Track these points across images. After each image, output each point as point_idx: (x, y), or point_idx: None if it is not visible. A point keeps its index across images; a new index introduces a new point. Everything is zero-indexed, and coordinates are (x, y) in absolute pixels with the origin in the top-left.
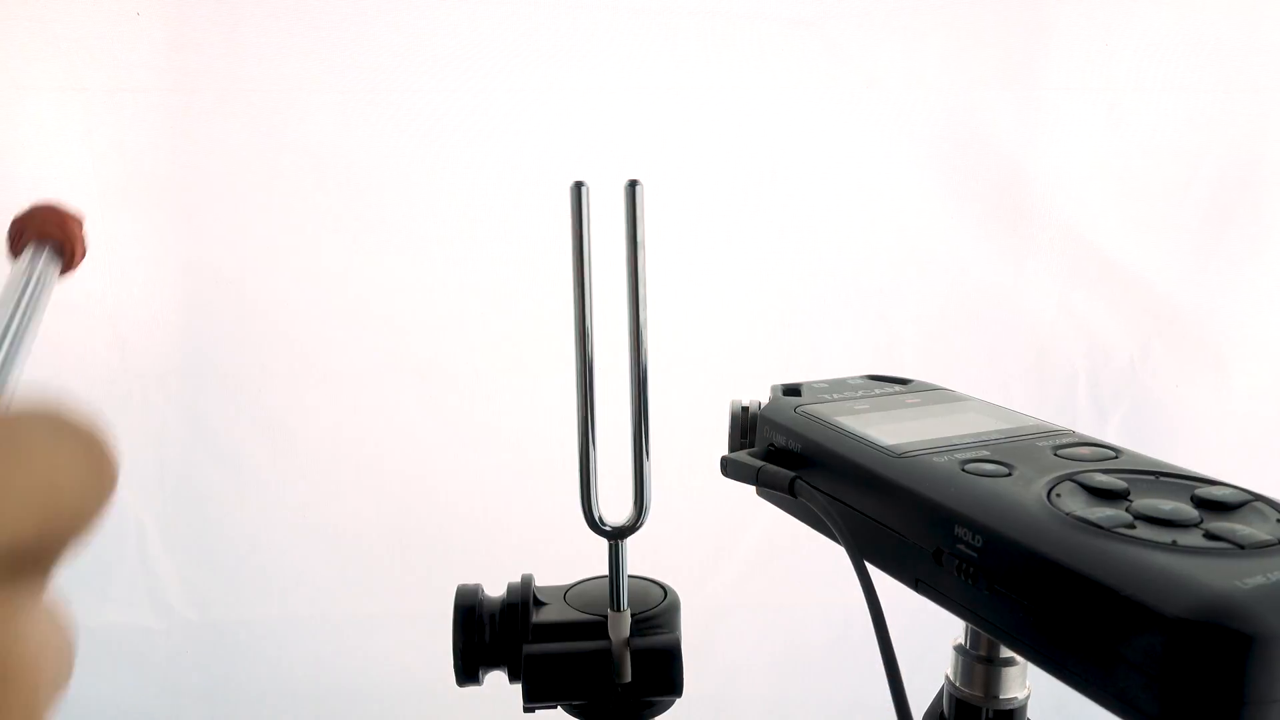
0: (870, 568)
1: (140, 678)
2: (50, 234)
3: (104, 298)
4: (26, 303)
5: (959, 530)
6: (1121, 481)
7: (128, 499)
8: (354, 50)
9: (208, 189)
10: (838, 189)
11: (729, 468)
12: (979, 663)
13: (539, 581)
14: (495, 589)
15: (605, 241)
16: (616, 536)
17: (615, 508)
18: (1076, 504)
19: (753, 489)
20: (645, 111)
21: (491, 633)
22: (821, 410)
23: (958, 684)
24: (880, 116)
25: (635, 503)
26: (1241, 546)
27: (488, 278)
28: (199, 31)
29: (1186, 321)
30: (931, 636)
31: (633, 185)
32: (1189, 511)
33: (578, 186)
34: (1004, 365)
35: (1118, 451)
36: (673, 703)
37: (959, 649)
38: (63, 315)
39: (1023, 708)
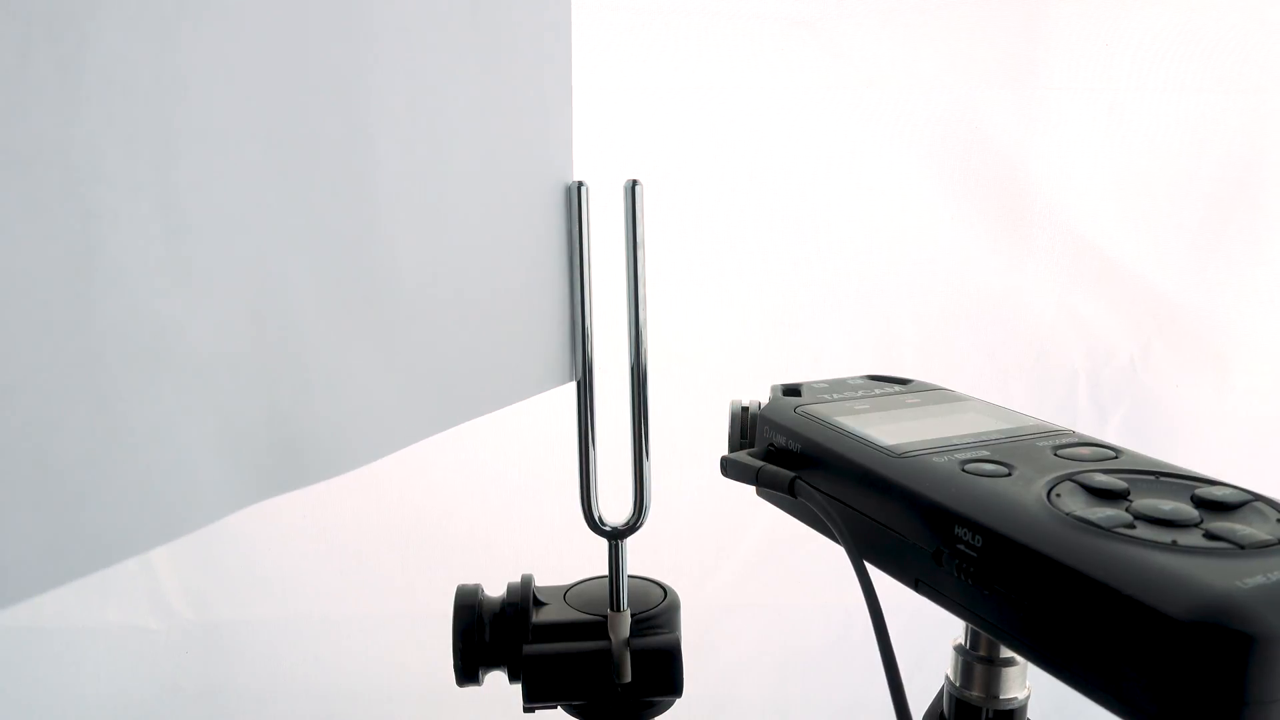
0: (870, 568)
1: (140, 678)
2: None
3: None
4: None
5: (959, 530)
6: (1121, 481)
7: None
8: None
9: None
10: (838, 189)
11: (729, 468)
12: (979, 663)
13: (539, 581)
14: (495, 589)
15: (605, 241)
16: (616, 536)
17: (615, 508)
18: (1076, 504)
19: (753, 489)
20: (645, 111)
21: (491, 633)
22: (821, 410)
23: (958, 684)
24: (880, 116)
25: (635, 503)
26: (1241, 546)
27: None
28: None
29: (1186, 321)
30: (931, 636)
31: (633, 185)
32: (1189, 511)
33: (577, 186)
34: (1004, 365)
35: (1118, 451)
36: (673, 703)
37: (959, 649)
38: None
39: (1023, 708)
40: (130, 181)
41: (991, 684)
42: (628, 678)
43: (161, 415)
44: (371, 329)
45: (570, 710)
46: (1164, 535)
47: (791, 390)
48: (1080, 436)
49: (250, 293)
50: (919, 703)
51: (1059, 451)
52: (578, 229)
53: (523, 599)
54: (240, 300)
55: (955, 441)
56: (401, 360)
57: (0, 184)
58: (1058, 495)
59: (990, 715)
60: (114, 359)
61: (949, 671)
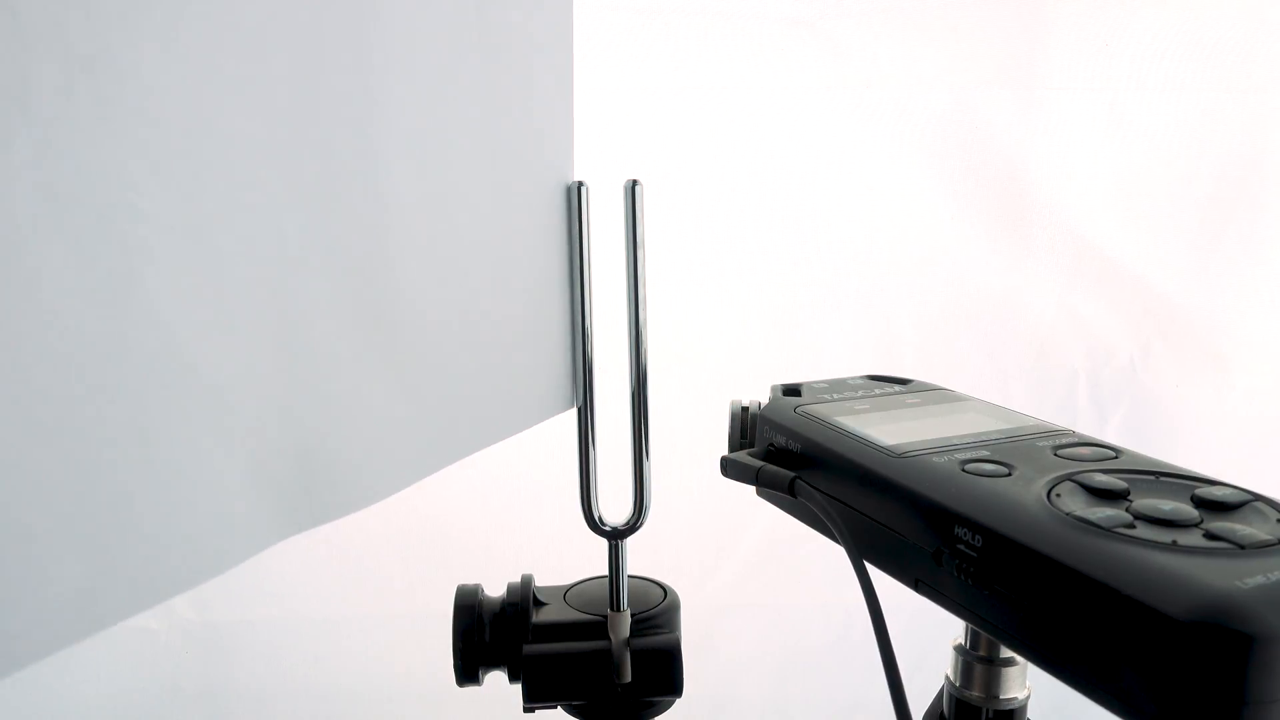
0: (870, 568)
1: (140, 678)
2: None
3: None
4: None
5: (959, 530)
6: (1121, 481)
7: None
8: None
9: None
10: (838, 189)
11: (729, 468)
12: (979, 663)
13: (539, 581)
14: (495, 589)
15: (605, 241)
16: (616, 536)
17: (615, 508)
18: (1076, 504)
19: (753, 489)
20: (645, 111)
21: (491, 633)
22: (821, 410)
23: (958, 684)
24: (880, 116)
25: (635, 503)
26: (1241, 546)
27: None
28: None
29: (1186, 321)
30: (931, 636)
31: (633, 185)
32: (1189, 511)
33: (577, 186)
34: (1004, 365)
35: (1118, 451)
36: (673, 703)
37: (959, 649)
38: None
39: (1023, 708)
40: (165, 217)
41: (991, 684)
42: (628, 678)
43: (194, 454)
44: (384, 355)
45: (570, 710)
46: (1164, 535)
47: (791, 390)
48: (1080, 436)
49: (275, 325)
50: (919, 703)
51: (1059, 451)
52: (578, 229)
53: (523, 599)
54: (267, 333)
55: (955, 441)
56: (412, 391)
57: (39, 220)
58: (1058, 495)
59: (990, 715)
60: (148, 396)
61: (949, 671)
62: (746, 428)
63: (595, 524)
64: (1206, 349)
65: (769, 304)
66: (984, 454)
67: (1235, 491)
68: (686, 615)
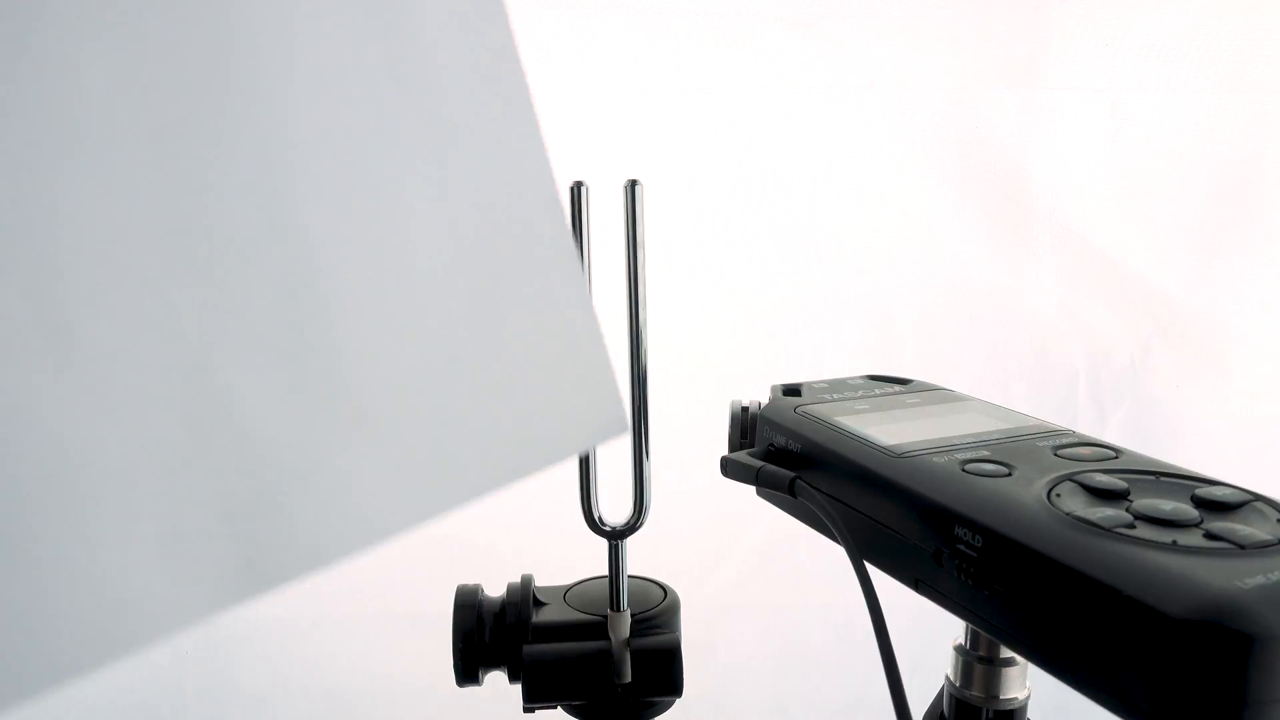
0: (870, 568)
1: (140, 678)
2: None
3: None
4: None
5: (959, 530)
6: (1121, 481)
7: None
8: None
9: None
10: (838, 189)
11: (729, 468)
12: (979, 663)
13: (539, 581)
14: (495, 589)
15: (605, 241)
16: (616, 536)
17: (615, 508)
18: (1076, 504)
19: (753, 489)
20: (645, 111)
21: (491, 633)
22: (821, 410)
23: (958, 684)
24: (881, 116)
25: (635, 503)
26: (1241, 546)
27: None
28: None
29: (1186, 321)
30: (931, 636)
31: (633, 185)
32: (1189, 511)
33: (577, 186)
34: (1004, 365)
35: (1118, 451)
36: (673, 703)
37: (959, 649)
38: None
39: (1023, 708)
40: (16, 312)
41: (991, 684)
42: (628, 678)
43: (95, 537)
44: (334, 416)
45: (570, 710)
46: (1164, 535)
47: (791, 390)
48: (1080, 436)
49: (195, 401)
50: (919, 703)
51: (1059, 451)
52: (578, 229)
53: (523, 599)
54: (187, 413)
55: (955, 441)
56: (374, 450)
57: None
58: (1058, 495)
59: (990, 715)
60: (37, 492)
61: (949, 671)
62: (746, 428)
63: (595, 524)
64: (1206, 349)
65: (769, 304)
66: (984, 454)
67: (1235, 491)
68: (686, 615)
